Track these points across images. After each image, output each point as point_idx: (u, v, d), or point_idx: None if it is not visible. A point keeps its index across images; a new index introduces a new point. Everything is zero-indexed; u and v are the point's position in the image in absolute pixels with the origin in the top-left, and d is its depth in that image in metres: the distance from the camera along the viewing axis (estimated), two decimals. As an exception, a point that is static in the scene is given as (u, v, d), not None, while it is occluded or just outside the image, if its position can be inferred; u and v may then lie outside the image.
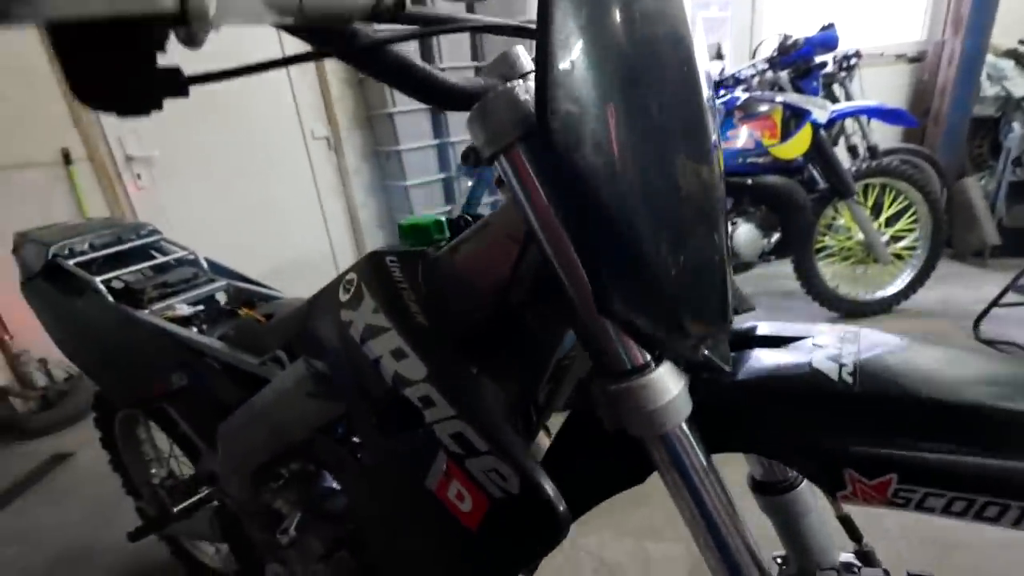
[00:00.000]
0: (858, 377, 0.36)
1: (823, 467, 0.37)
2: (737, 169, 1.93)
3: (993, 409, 0.32)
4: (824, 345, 0.39)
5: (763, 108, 1.92)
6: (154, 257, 1.00)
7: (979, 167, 2.92)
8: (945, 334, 1.94)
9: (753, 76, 2.11)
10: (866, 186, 2.05)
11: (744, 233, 1.96)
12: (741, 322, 0.47)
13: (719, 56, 2.32)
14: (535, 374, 0.52)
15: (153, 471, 1.27)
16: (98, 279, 0.87)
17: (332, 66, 2.79)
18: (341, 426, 0.62)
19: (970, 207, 2.64)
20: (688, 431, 0.38)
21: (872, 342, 0.39)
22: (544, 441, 0.59)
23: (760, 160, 1.91)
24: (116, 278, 0.91)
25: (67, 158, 2.21)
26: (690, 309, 0.37)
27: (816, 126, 1.87)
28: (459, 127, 2.84)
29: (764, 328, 0.44)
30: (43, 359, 2.16)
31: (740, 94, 2.04)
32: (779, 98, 1.92)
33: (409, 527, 0.53)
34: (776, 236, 2.01)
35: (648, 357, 0.37)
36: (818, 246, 2.10)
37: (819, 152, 1.91)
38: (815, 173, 2.00)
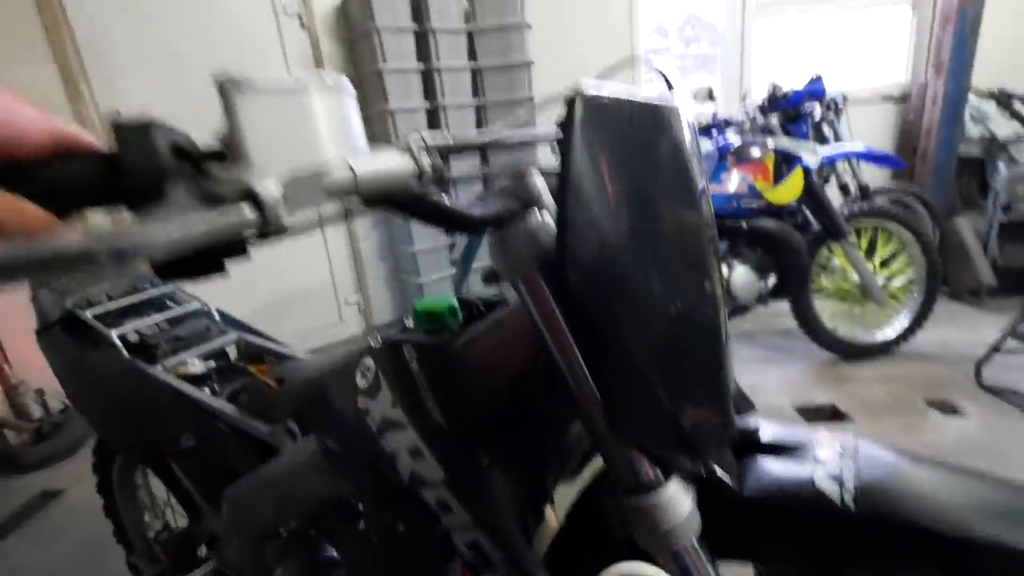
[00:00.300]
0: (859, 501, 0.37)
1: None
2: (732, 212, 1.97)
3: (989, 544, 0.33)
4: (825, 460, 0.41)
5: (756, 153, 1.98)
6: (168, 307, 1.01)
7: (969, 205, 2.99)
8: (948, 381, 1.95)
9: (744, 121, 2.17)
10: (859, 228, 2.10)
11: (740, 276, 1.99)
12: (742, 420, 0.48)
13: (710, 98, 2.39)
14: (546, 462, 0.53)
15: (147, 519, 1.25)
16: (114, 332, 0.88)
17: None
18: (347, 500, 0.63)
19: (963, 246, 2.69)
20: (698, 546, 0.40)
21: (871, 460, 0.40)
22: (550, 515, 0.59)
23: (754, 204, 1.95)
24: (132, 330, 0.92)
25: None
26: (697, 427, 0.40)
27: (807, 170, 1.93)
28: (460, 168, 2.89)
29: (766, 432, 0.46)
30: (40, 390, 2.14)
31: (732, 138, 2.10)
32: (771, 143, 1.97)
33: None
34: (772, 278, 2.04)
35: (659, 472, 0.39)
36: (815, 287, 2.13)
37: (811, 196, 1.97)
38: (808, 215, 2.05)
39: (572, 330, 0.37)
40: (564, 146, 0.33)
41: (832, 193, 2.39)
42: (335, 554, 0.72)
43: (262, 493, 0.69)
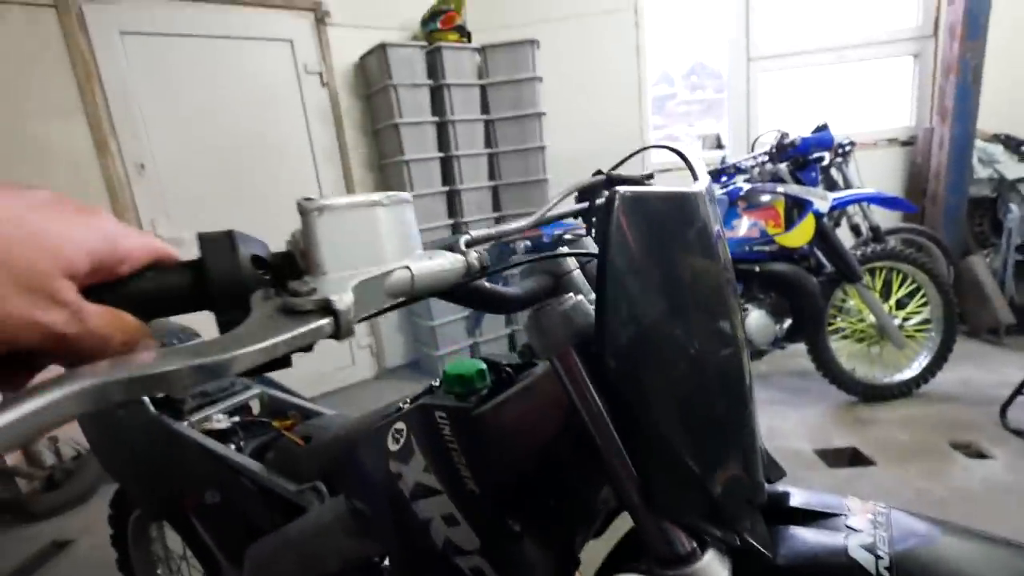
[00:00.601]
0: (893, 570, 0.37)
1: None
2: (744, 256, 1.99)
3: None
4: (858, 529, 0.41)
5: (765, 199, 2.02)
6: None
7: (983, 244, 2.99)
8: (972, 423, 1.90)
9: (754, 167, 2.22)
10: (872, 269, 2.11)
11: (755, 320, 1.99)
12: (773, 487, 0.48)
13: (719, 145, 2.46)
14: (575, 526, 0.53)
15: (159, 572, 1.24)
16: None
17: (355, 157, 2.98)
18: (373, 561, 0.62)
19: (979, 285, 2.67)
20: None
21: (905, 530, 0.40)
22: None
23: (766, 248, 1.98)
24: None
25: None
26: (728, 495, 0.40)
27: (818, 215, 1.95)
28: (471, 209, 2.97)
29: (797, 498, 0.46)
30: (54, 436, 2.15)
31: (742, 184, 2.15)
32: (780, 189, 2.01)
33: None
34: (788, 322, 2.03)
35: (693, 544, 0.39)
36: (831, 327, 2.12)
37: (823, 240, 1.98)
38: (821, 258, 2.06)
39: (607, 406, 0.39)
40: (602, 240, 0.36)
41: (844, 233, 2.41)
42: None
43: (286, 552, 0.68)
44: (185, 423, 0.87)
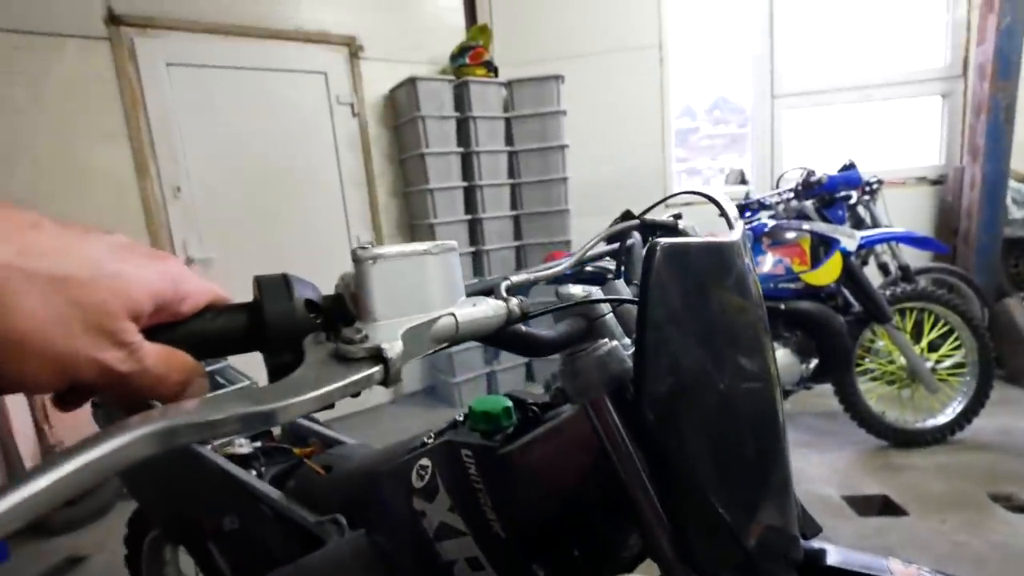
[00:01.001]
0: None
1: None
2: (769, 294, 1.96)
3: None
4: None
5: (791, 235, 1.99)
6: (221, 384, 1.05)
7: (1018, 287, 2.89)
8: (1012, 473, 1.80)
9: (779, 203, 2.20)
10: (903, 310, 2.05)
11: (781, 358, 1.94)
12: (808, 543, 0.46)
13: (743, 181, 2.45)
14: (599, 570, 0.52)
15: (172, 595, 1.23)
16: None
17: (381, 184, 3.06)
18: None
19: (1016, 328, 2.58)
20: None
21: None
22: None
23: (792, 285, 1.94)
24: None
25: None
26: (763, 548, 0.39)
27: (846, 253, 1.92)
28: (492, 237, 3.01)
29: (834, 556, 0.44)
30: (76, 451, 2.18)
31: (767, 220, 2.13)
32: (806, 226, 1.99)
33: None
34: (814, 361, 1.98)
35: None
36: (859, 368, 2.05)
37: (851, 279, 1.95)
38: (849, 297, 2.02)
39: (640, 454, 0.38)
40: (643, 291, 0.36)
41: (872, 272, 2.36)
42: None
43: (303, 586, 0.67)
44: (208, 447, 0.88)
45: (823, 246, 1.94)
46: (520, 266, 3.02)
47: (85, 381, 0.24)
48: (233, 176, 2.65)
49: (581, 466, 0.46)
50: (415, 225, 3.08)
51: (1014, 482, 1.76)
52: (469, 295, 0.36)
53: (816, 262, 1.93)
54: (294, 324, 0.28)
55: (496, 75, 2.99)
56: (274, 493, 0.76)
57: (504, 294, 0.37)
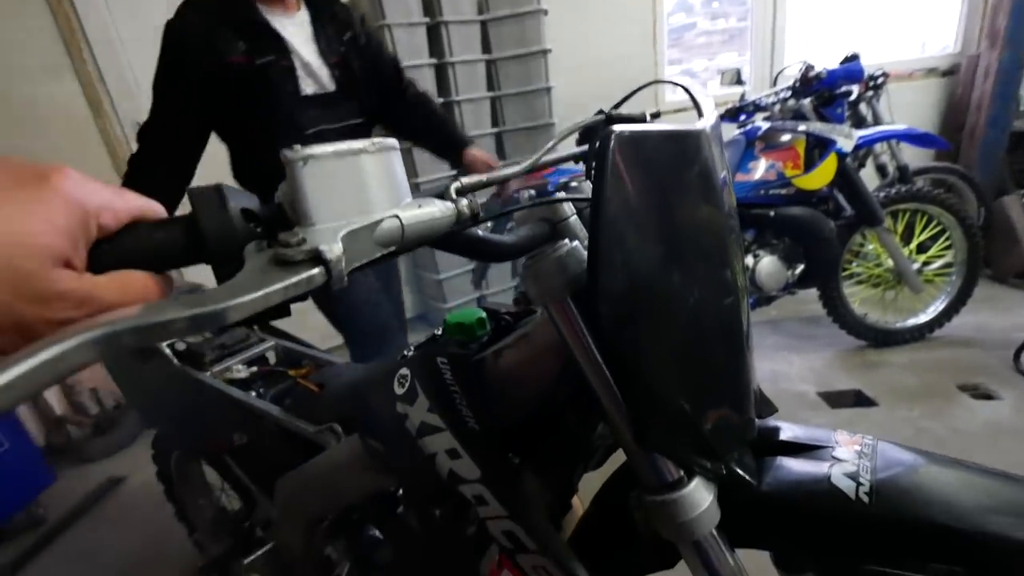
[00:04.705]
0: (874, 497, 0.39)
1: None
2: (759, 201, 1.93)
3: (1003, 538, 0.35)
4: (843, 459, 0.43)
5: (785, 138, 1.93)
6: None
7: (1021, 184, 2.83)
8: (983, 367, 1.89)
9: (775, 103, 2.09)
10: (896, 211, 2.03)
11: (767, 266, 1.95)
12: (764, 422, 0.50)
13: (739, 81, 2.31)
14: (572, 460, 0.57)
15: (203, 503, 1.36)
16: (164, 344, 0.95)
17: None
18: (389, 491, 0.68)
19: (1011, 227, 2.56)
20: (717, 536, 0.43)
21: (889, 459, 0.42)
22: (576, 503, 0.63)
23: (783, 191, 1.91)
24: (179, 340, 0.99)
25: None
26: (718, 431, 0.42)
27: (841, 155, 1.86)
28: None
29: (786, 432, 0.48)
30: (94, 388, 2.29)
31: (761, 122, 2.04)
32: (802, 127, 1.91)
33: None
34: (800, 267, 2.00)
35: (681, 472, 0.42)
36: (846, 273, 2.08)
37: (845, 181, 1.90)
38: (841, 201, 1.99)
39: (601, 351, 0.40)
40: (596, 183, 0.34)
41: (869, 176, 2.31)
42: (379, 535, 0.78)
43: (310, 486, 0.74)
44: (208, 373, 0.93)
45: (818, 148, 1.88)
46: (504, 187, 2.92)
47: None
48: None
49: (550, 367, 0.49)
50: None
51: (983, 374, 1.85)
52: (417, 198, 0.35)
53: (810, 165, 1.88)
54: (232, 234, 0.28)
55: (470, -27, 2.70)
56: (274, 410, 0.82)
57: (453, 195, 0.36)
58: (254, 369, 0.97)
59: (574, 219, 0.47)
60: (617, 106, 0.56)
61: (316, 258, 0.27)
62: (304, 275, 0.26)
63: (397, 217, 0.32)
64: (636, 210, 0.36)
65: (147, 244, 0.27)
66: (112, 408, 2.29)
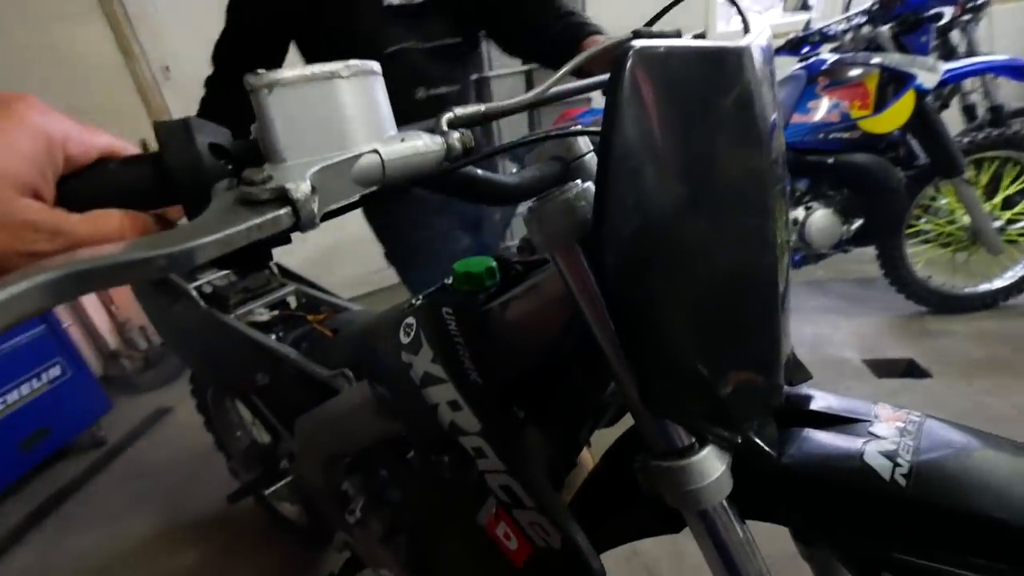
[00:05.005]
0: (912, 480, 0.34)
1: (862, 565, 0.37)
2: (816, 146, 1.72)
3: None
4: (881, 436, 0.38)
5: (854, 73, 1.69)
6: None
7: None
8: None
9: (846, 32, 1.82)
10: (981, 160, 1.78)
11: (819, 220, 1.77)
12: (795, 389, 0.45)
13: (805, 7, 2.05)
14: (580, 417, 0.54)
15: (238, 435, 1.44)
16: (191, 285, 0.98)
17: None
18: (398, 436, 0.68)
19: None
20: (727, 506, 0.39)
21: (935, 440, 0.37)
22: (586, 458, 0.61)
23: (845, 135, 1.69)
24: (206, 282, 1.03)
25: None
26: (738, 397, 0.38)
27: (921, 92, 1.62)
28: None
29: (819, 402, 0.43)
30: (143, 326, 2.44)
31: (827, 55, 1.80)
32: (876, 60, 1.67)
33: (461, 553, 0.59)
34: (858, 222, 1.80)
35: (692, 439, 0.38)
36: (910, 230, 1.87)
37: (922, 123, 1.66)
38: (914, 147, 1.77)
39: (608, 304, 0.35)
40: (608, 110, 0.29)
41: (954, 118, 2.01)
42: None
43: (326, 426, 0.76)
44: (232, 315, 0.95)
45: (893, 84, 1.63)
46: (533, 128, 2.76)
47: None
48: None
49: (556, 320, 0.46)
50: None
51: (1063, 348, 1.67)
52: (402, 130, 0.31)
53: (882, 105, 1.65)
54: (200, 171, 0.26)
55: None
56: (292, 353, 0.84)
57: (444, 127, 0.31)
58: (275, 313, 1.00)
59: (591, 157, 0.41)
60: (652, 22, 0.48)
61: (283, 197, 0.24)
62: (269, 216, 0.24)
63: (377, 152, 0.28)
64: (655, 144, 0.30)
65: (115, 180, 0.26)
66: (160, 344, 2.45)
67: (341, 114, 0.27)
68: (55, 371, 1.87)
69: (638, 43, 0.29)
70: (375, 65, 0.29)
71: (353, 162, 0.28)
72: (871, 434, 0.38)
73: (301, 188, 0.25)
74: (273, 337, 0.91)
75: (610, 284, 0.32)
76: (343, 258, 2.99)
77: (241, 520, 1.51)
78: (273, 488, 0.98)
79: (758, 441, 0.39)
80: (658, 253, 0.32)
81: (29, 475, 1.81)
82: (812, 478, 0.37)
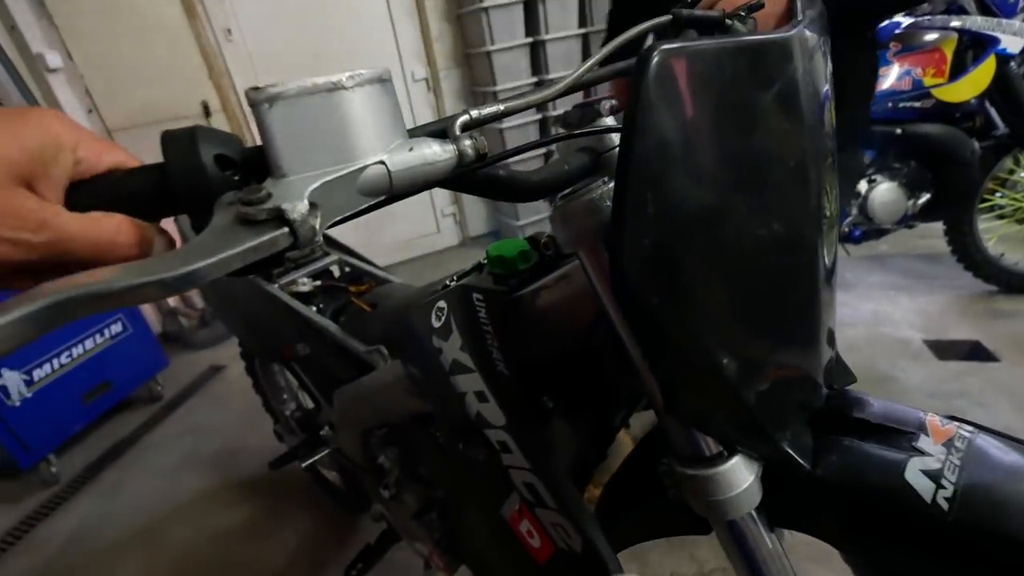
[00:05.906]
0: (956, 504, 0.32)
1: None
2: (884, 116, 1.60)
3: None
4: (926, 452, 0.35)
5: (930, 38, 1.54)
6: None
7: None
8: None
9: (926, -9, 1.66)
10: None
11: (884, 194, 1.65)
12: (837, 394, 0.42)
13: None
14: (612, 407, 0.53)
15: (284, 398, 1.52)
16: None
17: (432, 4, 2.72)
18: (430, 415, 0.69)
19: None
20: (756, 516, 0.38)
21: (987, 459, 0.34)
22: (625, 440, 0.60)
23: (917, 104, 1.56)
24: None
25: (207, 109, 2.48)
26: (770, 410, 0.35)
27: (1004, 57, 1.47)
28: (557, 64, 2.67)
29: (862, 408, 0.39)
30: (199, 286, 2.58)
31: (901, 18, 1.65)
32: (955, 23, 1.51)
33: (487, 541, 0.60)
34: (926, 196, 1.68)
35: (721, 447, 0.37)
36: (984, 205, 1.72)
37: (1004, 91, 1.52)
38: (993, 116, 1.61)
39: (625, 313, 0.34)
40: (628, 113, 0.27)
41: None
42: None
43: (361, 400, 0.78)
44: (276, 285, 0.97)
45: (974, 50, 1.49)
46: (545, 118, 2.69)
47: (13, 264, 0.23)
48: (280, 14, 2.50)
49: (587, 311, 0.45)
50: (470, 55, 2.80)
51: None
52: (418, 136, 0.30)
53: (959, 72, 1.51)
54: (203, 183, 0.25)
55: None
56: (331, 326, 0.85)
57: (457, 132, 0.30)
58: (317, 283, 1.01)
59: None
60: (695, 2, 0.45)
61: (280, 218, 0.24)
62: (266, 237, 0.23)
63: (383, 164, 0.27)
64: (681, 148, 0.28)
65: (120, 188, 0.26)
66: (213, 304, 2.59)
67: (345, 126, 0.27)
68: (116, 327, 1.98)
69: (664, 46, 0.26)
70: (383, 72, 0.28)
71: (358, 175, 0.27)
72: (915, 449, 0.35)
73: (298, 208, 0.24)
74: (314, 309, 0.93)
75: (627, 293, 0.30)
76: (395, 220, 3.04)
77: (285, 482, 1.58)
78: (310, 460, 1.03)
79: (789, 451, 0.37)
80: (680, 262, 0.30)
81: (90, 427, 1.94)
82: (846, 493, 0.35)
